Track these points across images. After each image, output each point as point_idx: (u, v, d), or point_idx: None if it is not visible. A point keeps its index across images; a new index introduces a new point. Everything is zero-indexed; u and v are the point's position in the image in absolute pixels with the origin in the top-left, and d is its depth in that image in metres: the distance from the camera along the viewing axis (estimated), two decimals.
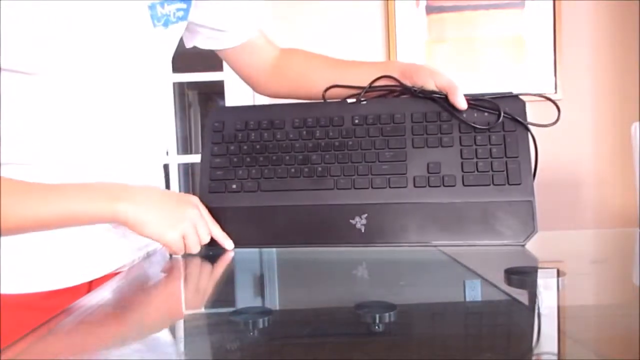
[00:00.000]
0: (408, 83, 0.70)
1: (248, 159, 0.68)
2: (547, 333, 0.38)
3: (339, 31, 1.84)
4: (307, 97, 0.78)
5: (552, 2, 1.77)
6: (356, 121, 0.68)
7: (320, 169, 0.66)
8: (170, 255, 0.64)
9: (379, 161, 0.65)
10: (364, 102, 0.70)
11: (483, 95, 0.66)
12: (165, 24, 0.65)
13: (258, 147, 0.69)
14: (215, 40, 0.78)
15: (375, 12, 1.83)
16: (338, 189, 0.65)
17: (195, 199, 0.65)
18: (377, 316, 0.38)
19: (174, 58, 0.75)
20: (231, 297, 0.52)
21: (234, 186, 0.68)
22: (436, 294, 0.49)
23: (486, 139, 0.64)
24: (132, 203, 0.58)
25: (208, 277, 0.59)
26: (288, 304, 0.50)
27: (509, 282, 0.48)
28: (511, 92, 0.66)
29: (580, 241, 0.77)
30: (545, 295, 0.46)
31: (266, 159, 0.68)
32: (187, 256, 0.63)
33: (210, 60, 1.02)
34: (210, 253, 0.64)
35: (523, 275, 0.49)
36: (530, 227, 0.61)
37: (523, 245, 0.60)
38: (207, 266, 0.63)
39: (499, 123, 0.64)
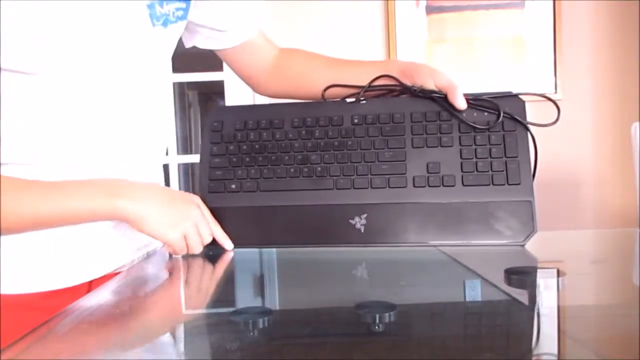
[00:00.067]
0: (408, 82, 0.70)
1: (247, 159, 0.68)
2: (547, 333, 0.38)
3: (339, 31, 1.84)
4: (307, 96, 0.78)
5: (552, 2, 1.77)
6: (355, 121, 0.68)
7: (319, 168, 0.66)
8: (170, 255, 0.64)
9: (379, 161, 0.65)
10: (363, 102, 0.70)
11: (482, 94, 0.66)
12: (165, 24, 0.65)
13: (257, 147, 0.69)
14: (214, 40, 0.78)
15: (375, 12, 1.83)
16: (337, 189, 0.65)
17: (197, 198, 0.65)
18: (377, 316, 0.38)
19: (174, 58, 0.75)
20: (231, 297, 0.52)
21: (233, 186, 0.68)
22: (436, 294, 0.49)
23: (486, 138, 0.64)
24: (133, 199, 0.58)
25: (208, 277, 0.59)
26: (288, 304, 0.50)
27: (509, 282, 0.48)
28: (511, 92, 0.66)
29: (580, 241, 0.77)
30: (545, 295, 0.46)
31: (265, 158, 0.68)
32: (187, 256, 0.63)
33: (210, 60, 1.02)
34: (210, 253, 0.64)
35: (523, 275, 0.49)
36: (529, 227, 0.61)
37: (522, 245, 0.60)
38: (207, 266, 0.63)
39: (498, 123, 0.64)
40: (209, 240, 0.63)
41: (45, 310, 0.45)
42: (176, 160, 1.94)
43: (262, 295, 0.51)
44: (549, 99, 0.70)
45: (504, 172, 0.63)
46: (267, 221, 0.65)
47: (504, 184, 0.62)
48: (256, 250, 0.66)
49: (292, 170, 0.67)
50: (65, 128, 0.59)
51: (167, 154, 0.77)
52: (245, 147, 0.69)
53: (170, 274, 0.64)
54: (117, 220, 0.59)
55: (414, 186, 0.64)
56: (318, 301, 0.48)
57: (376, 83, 0.72)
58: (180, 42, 0.76)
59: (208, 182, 0.69)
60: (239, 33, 0.78)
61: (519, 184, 0.62)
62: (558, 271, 0.51)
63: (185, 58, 1.33)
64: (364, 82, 0.72)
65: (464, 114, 0.65)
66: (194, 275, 0.62)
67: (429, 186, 0.63)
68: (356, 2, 1.83)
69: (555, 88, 1.78)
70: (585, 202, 1.83)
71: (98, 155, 0.62)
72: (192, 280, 0.59)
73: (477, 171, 0.63)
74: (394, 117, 0.67)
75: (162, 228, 0.59)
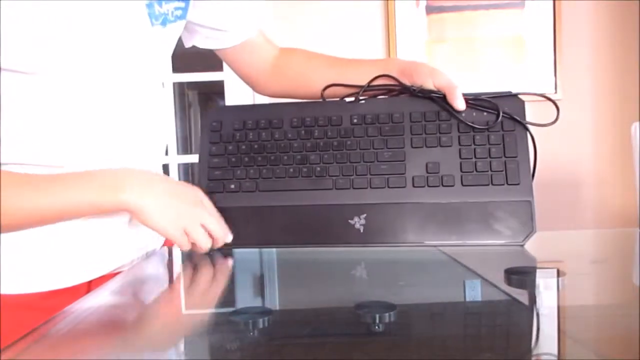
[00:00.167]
0: (407, 82, 0.70)
1: (246, 159, 0.68)
2: (547, 333, 0.38)
3: (339, 31, 1.84)
4: (307, 96, 0.78)
5: (552, 2, 1.77)
6: (355, 121, 0.68)
7: (318, 168, 0.66)
8: (188, 252, 0.62)
9: (378, 161, 0.65)
10: (363, 102, 0.70)
11: (482, 94, 0.66)
12: (163, 23, 0.65)
13: (256, 146, 0.69)
14: (214, 40, 0.78)
15: (375, 12, 1.83)
16: (337, 189, 0.65)
17: (200, 194, 0.64)
18: (377, 316, 0.38)
19: (174, 58, 0.75)
20: (231, 297, 0.52)
21: (232, 186, 0.68)
22: (436, 294, 0.49)
23: (485, 138, 0.64)
24: (136, 192, 0.57)
25: (208, 277, 0.59)
26: (288, 304, 0.50)
27: (509, 282, 0.48)
28: (510, 92, 0.66)
29: (580, 241, 0.77)
30: (545, 295, 0.46)
31: (264, 158, 0.68)
32: (189, 254, 0.63)
33: (210, 60, 1.02)
34: (210, 253, 0.64)
35: (523, 275, 0.49)
36: (529, 227, 0.61)
37: (522, 245, 0.60)
38: (207, 266, 0.63)
39: (497, 123, 0.64)
40: (220, 234, 0.62)
41: (45, 310, 0.45)
42: (176, 160, 1.94)
43: (262, 295, 0.51)
44: (549, 99, 0.70)
45: (503, 172, 0.63)
46: (266, 221, 0.65)
47: (503, 184, 0.62)
48: (256, 250, 0.66)
49: (291, 170, 0.67)
50: (64, 128, 0.59)
51: (166, 153, 0.77)
52: (244, 147, 0.69)
53: (170, 274, 0.64)
54: (120, 212, 0.58)
55: (413, 186, 0.64)
56: (318, 301, 0.48)
57: (375, 83, 0.72)
58: (180, 41, 0.76)
59: (207, 182, 0.69)
60: (239, 32, 0.78)
61: (518, 184, 0.62)
62: (558, 271, 0.51)
63: (185, 58, 1.33)
64: (364, 81, 0.72)
65: (463, 114, 0.65)
66: (194, 275, 0.62)
67: (428, 186, 0.63)
68: (356, 2, 1.83)
69: (555, 88, 1.78)
70: (585, 202, 1.83)
71: (97, 154, 0.62)
72: (192, 280, 0.59)
73: (477, 171, 0.63)
74: (393, 116, 0.67)
75: (163, 222, 0.58)
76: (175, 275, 0.65)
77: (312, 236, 0.64)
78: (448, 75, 0.68)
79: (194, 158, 2.36)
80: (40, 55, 0.55)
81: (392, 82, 0.71)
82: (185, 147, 4.13)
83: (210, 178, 0.69)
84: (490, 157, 0.64)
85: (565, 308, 0.44)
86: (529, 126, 0.65)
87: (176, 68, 1.81)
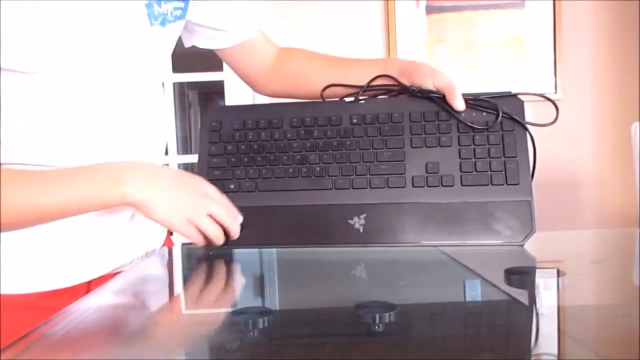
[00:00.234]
0: (406, 82, 0.70)
1: (246, 159, 0.68)
2: (547, 333, 0.38)
3: (339, 31, 1.84)
4: (307, 96, 0.78)
5: (552, 2, 1.77)
6: (354, 121, 0.68)
7: (318, 169, 0.66)
8: (205, 246, 0.61)
9: (377, 161, 0.65)
10: (362, 102, 0.70)
11: (481, 94, 0.66)
12: (163, 23, 0.65)
13: (256, 146, 0.69)
14: (214, 40, 0.78)
15: (375, 12, 1.83)
16: (336, 189, 0.65)
17: (206, 184, 0.62)
18: (377, 316, 0.38)
19: (174, 58, 0.75)
20: (231, 297, 0.52)
21: (232, 186, 0.68)
22: (436, 294, 0.49)
23: (484, 138, 0.64)
24: (139, 185, 0.56)
25: (208, 277, 0.59)
26: (288, 304, 0.50)
27: (509, 282, 0.48)
28: (509, 92, 0.66)
29: (580, 241, 0.77)
30: (545, 295, 0.46)
31: (264, 158, 0.68)
32: (189, 254, 0.63)
33: (210, 60, 1.02)
34: (211, 253, 0.64)
35: (523, 275, 0.49)
36: (528, 227, 0.61)
37: (521, 245, 0.60)
38: (207, 266, 0.63)
39: (497, 123, 0.64)
40: (230, 222, 0.61)
41: (45, 310, 0.45)
42: (176, 160, 1.94)
43: (262, 295, 0.51)
44: (548, 99, 0.70)
45: (503, 172, 0.63)
46: (265, 221, 0.65)
47: (502, 184, 0.62)
48: (256, 250, 0.66)
49: (291, 170, 0.66)
50: (63, 127, 0.59)
51: (166, 153, 0.77)
52: (243, 147, 0.69)
53: (170, 274, 0.64)
54: (123, 206, 0.57)
55: (413, 186, 0.64)
56: (318, 301, 0.48)
57: (375, 83, 0.72)
58: (179, 41, 0.76)
59: None
60: (239, 32, 0.78)
61: (517, 184, 0.62)
62: (558, 271, 0.51)
63: (185, 58, 1.33)
64: (364, 81, 0.72)
65: (463, 114, 0.65)
66: (194, 275, 0.62)
67: (428, 186, 0.63)
68: (356, 2, 1.83)
69: (555, 88, 1.78)
70: (585, 202, 1.83)
71: (97, 154, 0.62)
72: (192, 280, 0.59)
73: (476, 171, 0.63)
74: (393, 117, 0.67)
75: (168, 214, 0.57)
76: (175, 275, 0.65)
77: (312, 236, 0.64)
78: (448, 75, 0.68)
79: (193, 158, 2.36)
80: (40, 55, 0.55)
81: (391, 82, 0.71)
82: (185, 147, 4.13)
83: (209, 178, 0.69)
84: (490, 157, 0.64)
85: (565, 308, 0.44)
86: (529, 126, 0.65)
87: (176, 68, 1.81)
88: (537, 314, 0.42)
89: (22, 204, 0.54)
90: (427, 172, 0.64)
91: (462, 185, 0.63)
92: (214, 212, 0.59)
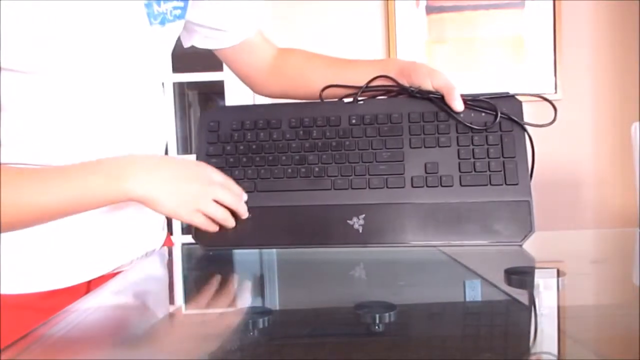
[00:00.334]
0: (405, 82, 0.70)
1: (244, 159, 0.68)
2: (547, 333, 0.38)
3: (339, 31, 1.84)
4: (306, 96, 0.78)
5: (552, 2, 1.77)
6: (353, 121, 0.68)
7: (317, 169, 0.66)
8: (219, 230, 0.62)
9: (377, 161, 0.65)
10: (361, 102, 0.70)
11: (480, 95, 0.66)
12: (162, 22, 0.65)
13: (254, 147, 0.69)
14: (213, 40, 0.78)
15: (375, 12, 1.83)
16: (335, 189, 0.65)
17: (209, 169, 0.62)
18: (377, 316, 0.38)
19: (174, 58, 0.75)
20: (231, 297, 0.52)
21: None
22: (436, 294, 0.49)
23: (483, 139, 0.64)
24: (141, 179, 0.55)
25: (208, 277, 0.59)
26: (288, 304, 0.50)
27: (509, 282, 0.48)
28: (508, 92, 0.66)
29: (580, 241, 0.77)
30: (545, 295, 0.46)
31: (262, 159, 0.68)
32: (189, 254, 0.63)
33: (210, 60, 1.02)
34: (211, 253, 0.64)
35: (523, 275, 0.49)
36: (527, 227, 0.61)
37: (520, 245, 0.60)
38: (207, 266, 0.63)
39: (496, 123, 0.64)
40: (236, 203, 0.61)
41: (45, 310, 0.45)
42: None
43: (262, 295, 0.51)
44: (546, 99, 0.70)
45: (502, 172, 0.63)
46: (264, 222, 0.65)
47: (501, 184, 0.62)
48: (256, 250, 0.66)
49: (290, 170, 0.66)
50: (63, 127, 0.59)
51: (166, 152, 0.76)
52: (242, 147, 0.69)
53: (170, 274, 0.64)
54: (128, 201, 0.57)
55: (412, 186, 0.64)
56: (318, 301, 0.48)
57: (374, 83, 0.72)
58: (179, 41, 0.76)
59: None
60: (238, 32, 0.78)
61: (516, 184, 0.62)
62: (558, 271, 0.51)
63: (185, 58, 1.33)
64: (363, 81, 0.72)
65: (462, 115, 0.65)
66: (194, 275, 0.62)
67: (427, 186, 0.63)
68: (356, 2, 1.83)
69: (555, 88, 1.78)
70: (585, 202, 1.83)
71: (97, 154, 0.62)
72: (192, 280, 0.59)
73: (475, 171, 0.63)
74: (392, 117, 0.67)
75: (173, 206, 0.57)
76: (175, 275, 0.65)
77: (311, 237, 0.64)
78: (447, 76, 0.68)
79: (193, 158, 2.36)
80: (39, 55, 0.55)
81: (390, 82, 0.71)
82: (185, 146, 4.13)
83: None
84: (489, 158, 0.64)
85: (565, 308, 0.44)
86: (527, 126, 0.65)
87: (176, 68, 1.81)
88: (537, 314, 0.42)
89: (23, 203, 0.53)
90: (426, 173, 0.64)
91: (461, 185, 0.63)
92: (218, 197, 0.60)
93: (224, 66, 0.85)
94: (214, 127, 0.70)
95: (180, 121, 4.07)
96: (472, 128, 0.65)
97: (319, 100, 0.75)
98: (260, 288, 0.55)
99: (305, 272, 0.60)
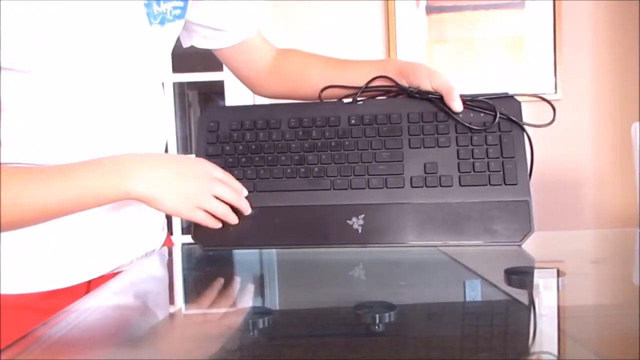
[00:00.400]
0: (405, 82, 0.70)
1: (243, 160, 0.68)
2: (547, 333, 0.38)
3: (339, 31, 1.84)
4: (305, 97, 0.78)
5: (552, 2, 1.77)
6: (353, 121, 0.68)
7: (316, 169, 0.66)
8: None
9: (376, 161, 0.65)
10: (360, 103, 0.70)
11: (478, 95, 0.66)
12: (162, 22, 0.65)
13: (254, 147, 0.69)
14: (212, 40, 0.78)
15: (375, 12, 1.83)
16: (335, 189, 0.65)
17: (208, 165, 0.62)
18: (377, 316, 0.38)
19: (174, 58, 0.75)
20: (231, 297, 0.52)
21: None
22: (436, 294, 0.49)
23: (482, 139, 0.65)
24: (141, 179, 0.56)
25: (208, 277, 0.59)
26: (288, 304, 0.50)
27: (509, 282, 0.48)
28: (506, 93, 0.66)
29: (580, 241, 0.77)
30: (545, 295, 0.46)
31: (262, 159, 0.68)
32: (189, 254, 0.63)
33: (210, 60, 1.02)
34: (210, 253, 0.64)
35: (523, 276, 0.49)
36: (526, 227, 0.61)
37: (519, 245, 0.60)
38: (207, 266, 0.63)
39: (495, 124, 0.64)
40: (237, 199, 0.62)
41: (45, 310, 0.45)
42: None
43: (262, 295, 0.51)
44: (544, 99, 0.70)
45: (501, 172, 0.63)
46: (264, 222, 0.65)
47: (501, 184, 0.62)
48: (256, 250, 0.66)
49: (289, 170, 0.66)
50: (63, 127, 0.59)
51: (166, 152, 0.76)
52: (241, 147, 0.69)
53: (170, 274, 0.64)
54: (128, 200, 0.57)
55: (412, 186, 0.64)
56: (318, 301, 0.48)
57: (373, 84, 0.72)
58: (179, 41, 0.76)
59: None
60: (237, 32, 0.78)
61: (515, 184, 0.62)
62: (558, 271, 0.51)
63: (185, 58, 1.33)
64: (362, 82, 0.72)
65: (461, 115, 0.66)
66: (194, 275, 0.62)
67: (427, 186, 0.63)
68: (356, 2, 1.83)
69: (555, 88, 1.78)
70: (585, 202, 1.83)
71: (97, 153, 0.62)
72: (192, 281, 0.59)
73: (474, 171, 0.63)
74: (391, 117, 0.67)
75: (174, 204, 0.57)
76: (175, 275, 0.65)
77: (310, 237, 0.64)
78: (446, 76, 0.68)
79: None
80: (39, 54, 0.55)
81: (389, 83, 0.71)
82: (185, 146, 4.13)
83: None
84: (488, 158, 0.64)
85: (565, 308, 0.44)
86: (526, 127, 0.65)
87: (176, 68, 1.81)
88: (537, 314, 0.42)
89: (23, 202, 0.53)
90: (425, 173, 0.64)
91: (461, 185, 0.63)
92: (218, 193, 0.61)
93: (224, 66, 0.85)
94: (213, 127, 0.70)
95: (180, 121, 4.07)
96: (471, 128, 0.65)
97: (319, 101, 0.75)
98: (260, 288, 0.55)
99: (305, 272, 0.60)
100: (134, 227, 0.68)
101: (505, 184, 0.62)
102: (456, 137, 0.65)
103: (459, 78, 1.78)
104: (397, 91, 0.71)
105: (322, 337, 0.38)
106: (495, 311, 0.44)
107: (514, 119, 0.65)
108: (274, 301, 0.50)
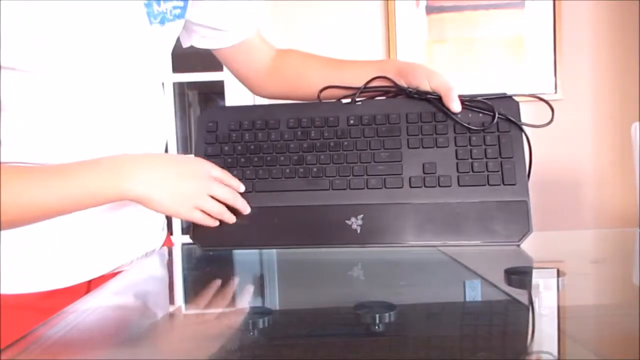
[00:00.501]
0: (404, 83, 0.70)
1: (242, 160, 0.68)
2: (547, 333, 0.38)
3: (339, 31, 1.84)
4: (304, 97, 0.78)
5: (552, 2, 1.77)
6: (351, 122, 0.68)
7: (315, 169, 0.66)
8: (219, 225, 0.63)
9: (375, 162, 0.65)
10: (359, 103, 0.70)
11: (477, 96, 0.66)
12: (162, 22, 0.65)
13: (252, 147, 0.69)
14: (212, 40, 0.78)
15: (375, 12, 1.83)
16: (333, 189, 0.65)
17: (206, 165, 0.63)
18: (377, 316, 0.38)
19: (174, 58, 0.75)
20: (231, 297, 0.52)
21: None
22: (436, 294, 0.49)
23: (481, 139, 0.65)
24: (139, 179, 0.56)
25: (208, 277, 0.59)
26: (288, 304, 0.50)
27: (509, 282, 0.48)
28: (505, 93, 0.66)
29: (580, 241, 0.77)
30: (545, 295, 0.46)
31: (261, 159, 0.68)
32: (189, 254, 0.63)
33: (210, 60, 1.02)
34: (211, 253, 0.64)
35: (523, 276, 0.49)
36: (525, 227, 0.61)
37: (518, 245, 0.60)
38: (207, 266, 0.63)
39: (493, 124, 0.64)
40: (233, 199, 0.63)
41: (45, 310, 0.45)
42: None
43: (262, 295, 0.51)
44: (542, 100, 0.70)
45: (500, 172, 0.63)
46: (263, 222, 0.65)
47: (499, 184, 0.62)
48: (256, 250, 0.66)
49: (288, 170, 0.66)
50: (63, 127, 0.59)
51: (166, 152, 0.76)
52: (240, 147, 0.69)
53: (170, 274, 0.64)
54: (126, 200, 0.57)
55: (410, 186, 0.64)
56: (318, 301, 0.48)
57: (372, 84, 0.72)
58: (179, 41, 0.76)
59: None
60: (237, 32, 0.78)
61: (514, 184, 0.62)
62: (558, 271, 0.51)
63: (185, 58, 1.33)
64: (361, 82, 0.72)
65: (459, 115, 0.66)
66: (193, 275, 0.62)
67: (425, 186, 0.63)
68: (356, 2, 1.83)
69: (555, 88, 1.78)
70: (585, 202, 1.83)
71: (97, 153, 0.62)
72: (192, 281, 0.59)
73: (473, 171, 0.63)
74: (390, 118, 0.67)
75: (171, 205, 0.58)
76: (175, 275, 0.65)
77: (309, 237, 0.64)
78: (445, 76, 0.68)
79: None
80: (39, 54, 0.55)
81: (388, 83, 0.71)
82: (185, 146, 4.13)
83: None
84: (487, 158, 0.64)
85: (565, 308, 0.44)
86: (525, 127, 0.65)
87: (176, 68, 1.81)
88: (537, 314, 0.42)
89: (22, 201, 0.53)
90: (424, 173, 0.64)
91: (459, 185, 0.63)
92: (214, 193, 0.61)
93: (224, 66, 0.85)
94: (212, 127, 0.70)
95: (180, 121, 4.07)
96: (469, 128, 0.65)
97: (317, 101, 0.75)
98: (260, 288, 0.55)
99: (305, 272, 0.60)
100: (134, 227, 0.68)
101: (504, 184, 0.62)
102: (455, 138, 0.65)
103: (459, 78, 1.78)
104: (396, 91, 0.71)
105: (322, 337, 0.38)
106: (495, 311, 0.44)
107: (512, 119, 0.65)
108: (273, 301, 0.50)
